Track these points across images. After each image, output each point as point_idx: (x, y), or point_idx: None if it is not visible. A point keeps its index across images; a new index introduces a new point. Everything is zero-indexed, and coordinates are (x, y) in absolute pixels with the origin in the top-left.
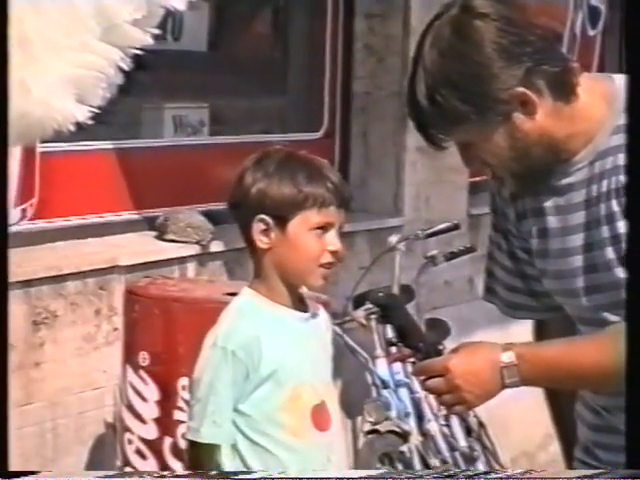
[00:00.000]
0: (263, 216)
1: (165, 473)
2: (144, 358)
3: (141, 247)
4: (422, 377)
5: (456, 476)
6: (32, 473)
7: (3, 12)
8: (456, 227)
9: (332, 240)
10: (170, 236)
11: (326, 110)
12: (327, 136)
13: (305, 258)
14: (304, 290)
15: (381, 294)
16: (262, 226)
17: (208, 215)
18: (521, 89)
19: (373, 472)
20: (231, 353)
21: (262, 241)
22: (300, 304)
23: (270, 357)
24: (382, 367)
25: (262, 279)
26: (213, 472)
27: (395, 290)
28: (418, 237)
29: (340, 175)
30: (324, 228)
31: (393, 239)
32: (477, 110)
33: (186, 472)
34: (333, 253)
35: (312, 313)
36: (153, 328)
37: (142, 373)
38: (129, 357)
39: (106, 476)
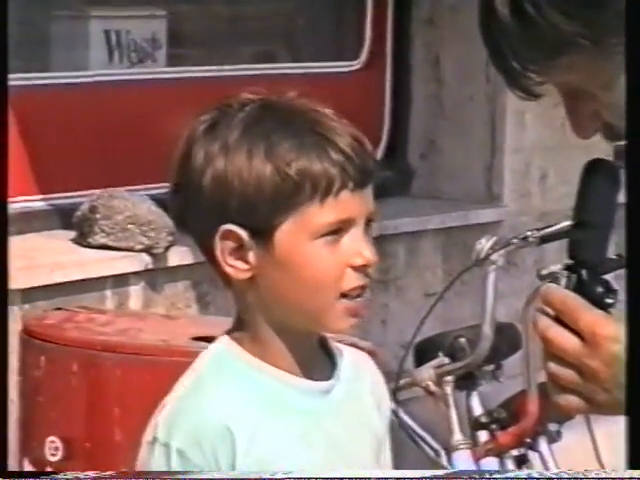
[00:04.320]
0: (230, 227)
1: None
2: (55, 448)
3: (50, 257)
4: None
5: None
6: (34, 474)
7: (3, 12)
8: None
9: (355, 247)
10: (99, 238)
11: (369, 23)
12: (369, 67)
13: (314, 286)
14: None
15: (463, 339)
16: (231, 243)
17: (165, 203)
18: None
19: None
20: (177, 453)
21: (235, 267)
22: (317, 362)
23: (255, 461)
24: (465, 463)
25: (245, 326)
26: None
27: (487, 332)
28: (527, 241)
29: (354, 132)
30: (338, 231)
31: (485, 245)
32: (593, 32)
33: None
34: (360, 269)
35: (340, 374)
36: (70, 396)
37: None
38: (28, 445)
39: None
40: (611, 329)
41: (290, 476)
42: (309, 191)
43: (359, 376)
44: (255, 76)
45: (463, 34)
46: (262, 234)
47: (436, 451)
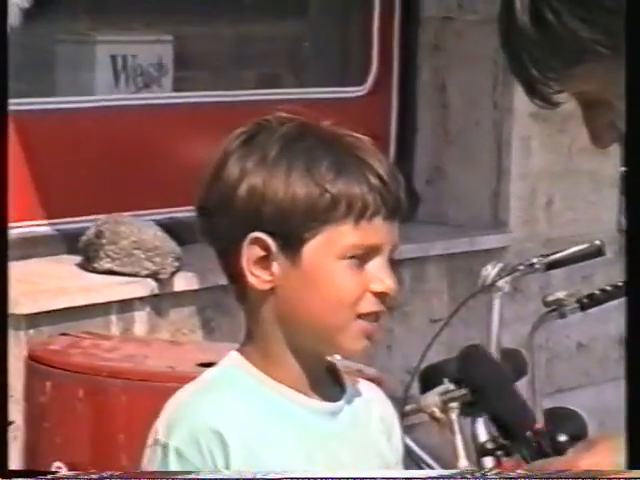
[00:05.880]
0: (260, 235)
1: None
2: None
3: (54, 282)
4: None
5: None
6: (35, 474)
7: (3, 12)
8: (599, 251)
9: (378, 274)
10: (105, 263)
11: (375, 48)
12: (376, 92)
13: (333, 305)
14: (337, 358)
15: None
16: (259, 251)
17: (171, 228)
18: None
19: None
20: (174, 453)
21: (259, 277)
22: (325, 385)
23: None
24: None
25: (256, 341)
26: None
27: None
28: (534, 268)
29: (390, 163)
30: (365, 255)
31: (491, 271)
32: (611, 40)
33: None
34: (380, 295)
35: (348, 399)
36: (75, 422)
37: None
38: (34, 470)
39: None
40: (579, 461)
41: (286, 476)
42: (344, 210)
43: (367, 405)
44: (260, 101)
45: (469, 59)
46: (290, 246)
47: None
